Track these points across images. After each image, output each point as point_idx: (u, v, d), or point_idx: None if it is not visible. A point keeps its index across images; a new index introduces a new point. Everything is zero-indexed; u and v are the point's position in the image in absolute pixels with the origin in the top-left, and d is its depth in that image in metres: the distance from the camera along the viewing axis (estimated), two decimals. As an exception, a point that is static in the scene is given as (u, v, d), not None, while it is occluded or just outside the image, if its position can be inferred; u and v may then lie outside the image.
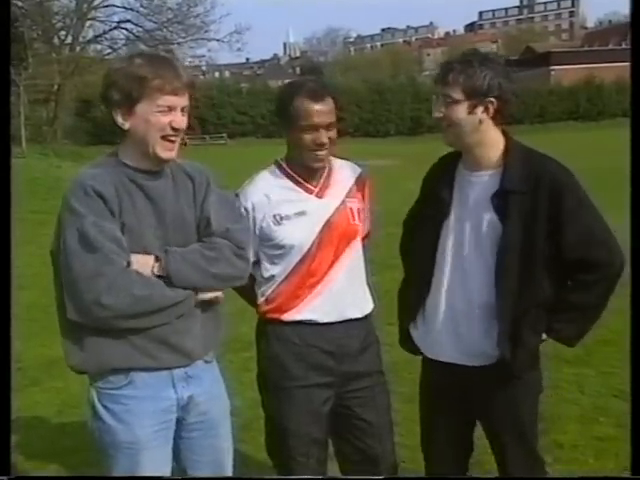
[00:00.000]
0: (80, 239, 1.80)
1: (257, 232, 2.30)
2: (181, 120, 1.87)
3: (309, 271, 2.28)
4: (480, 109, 2.08)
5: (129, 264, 1.83)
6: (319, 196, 2.32)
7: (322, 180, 2.33)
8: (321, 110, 2.22)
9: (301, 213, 2.27)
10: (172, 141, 1.88)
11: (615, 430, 3.52)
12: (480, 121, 2.10)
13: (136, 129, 1.86)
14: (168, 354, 1.93)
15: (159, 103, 1.83)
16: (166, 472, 2.02)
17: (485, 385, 2.22)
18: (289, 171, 2.32)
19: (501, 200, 2.10)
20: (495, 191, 2.12)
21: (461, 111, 2.09)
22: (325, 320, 2.30)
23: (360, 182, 2.42)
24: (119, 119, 1.86)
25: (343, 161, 2.45)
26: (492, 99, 2.07)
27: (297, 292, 2.29)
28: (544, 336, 2.19)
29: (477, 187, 2.17)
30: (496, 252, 2.11)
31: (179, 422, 2.03)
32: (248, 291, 2.34)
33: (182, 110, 1.89)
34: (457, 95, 2.08)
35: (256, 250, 2.31)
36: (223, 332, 2.12)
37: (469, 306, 2.18)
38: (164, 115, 1.85)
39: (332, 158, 2.39)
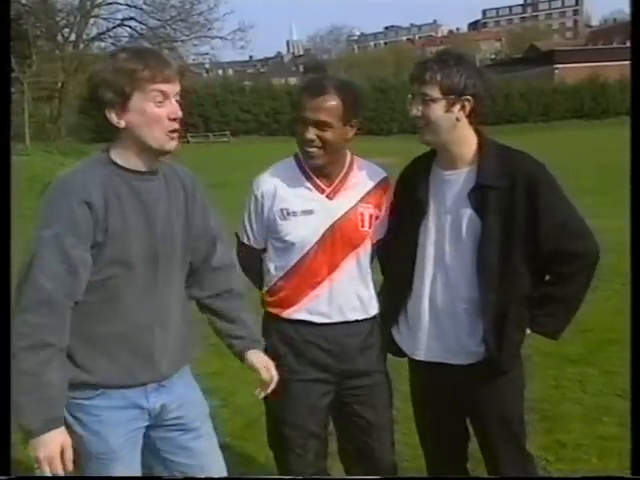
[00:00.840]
0: (36, 247, 1.76)
1: (265, 222, 2.30)
2: (176, 108, 1.84)
3: (310, 271, 2.27)
4: (457, 107, 2.11)
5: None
6: (330, 197, 2.28)
7: (337, 181, 2.30)
8: (313, 106, 2.18)
9: (308, 212, 2.25)
10: (172, 131, 1.85)
11: (618, 429, 3.51)
12: (457, 119, 2.12)
13: (133, 124, 1.81)
14: (145, 370, 1.90)
15: (152, 93, 1.79)
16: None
17: (471, 383, 2.23)
18: (304, 166, 2.30)
19: (478, 196, 2.13)
20: (472, 187, 2.14)
21: (439, 109, 2.10)
22: (323, 321, 2.29)
23: (379, 188, 2.34)
24: (114, 118, 1.81)
25: (366, 163, 2.39)
26: (468, 97, 2.10)
27: (297, 290, 2.29)
28: (528, 331, 2.21)
29: (453, 185, 2.19)
30: (476, 248, 2.13)
31: (154, 426, 1.99)
32: (256, 276, 2.39)
33: (175, 97, 1.85)
34: (435, 93, 2.10)
35: (265, 239, 2.33)
36: (197, 347, 2.12)
37: (452, 304, 2.20)
38: (159, 106, 1.81)
39: (356, 159, 2.36)
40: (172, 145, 1.86)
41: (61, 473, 1.77)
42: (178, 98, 1.86)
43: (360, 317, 2.33)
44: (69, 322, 1.80)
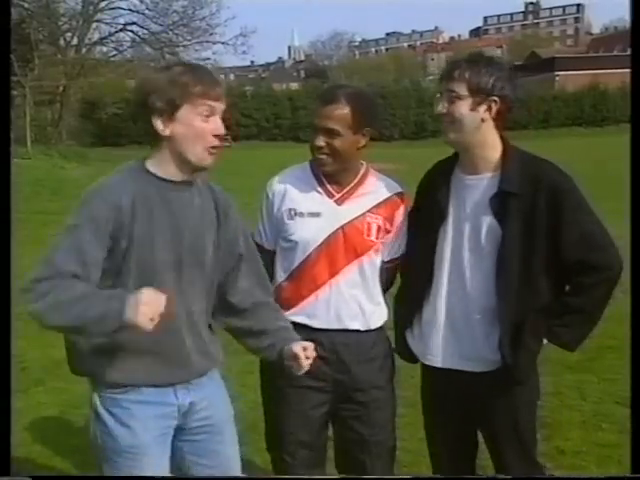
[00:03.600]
0: (59, 238, 1.83)
1: (274, 221, 2.33)
2: (220, 125, 1.90)
3: (311, 274, 2.28)
4: (483, 107, 2.09)
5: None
6: (338, 202, 2.29)
7: (348, 188, 2.31)
8: (323, 114, 2.21)
9: (315, 214, 2.27)
10: (213, 147, 1.90)
11: (617, 437, 3.52)
12: (482, 119, 2.10)
13: (177, 135, 1.87)
14: (172, 372, 1.95)
15: (201, 108, 1.86)
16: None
17: (485, 391, 2.21)
18: (317, 172, 2.32)
19: (500, 202, 2.11)
20: (494, 193, 2.12)
21: (464, 107, 2.09)
22: (320, 326, 2.29)
23: (391, 201, 2.34)
24: (159, 125, 1.86)
25: (382, 176, 2.40)
26: (495, 98, 2.09)
27: (297, 292, 2.30)
28: (545, 341, 2.19)
29: (474, 190, 2.17)
30: (495, 255, 2.11)
31: (181, 428, 2.03)
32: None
33: (220, 115, 1.92)
34: (462, 91, 2.09)
35: (275, 238, 2.35)
36: (223, 352, 2.14)
37: (468, 310, 2.18)
38: (205, 121, 1.87)
39: (372, 171, 2.36)
40: (210, 162, 1.92)
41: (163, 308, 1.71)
42: (221, 116, 1.92)
43: (361, 327, 2.32)
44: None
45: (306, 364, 2.00)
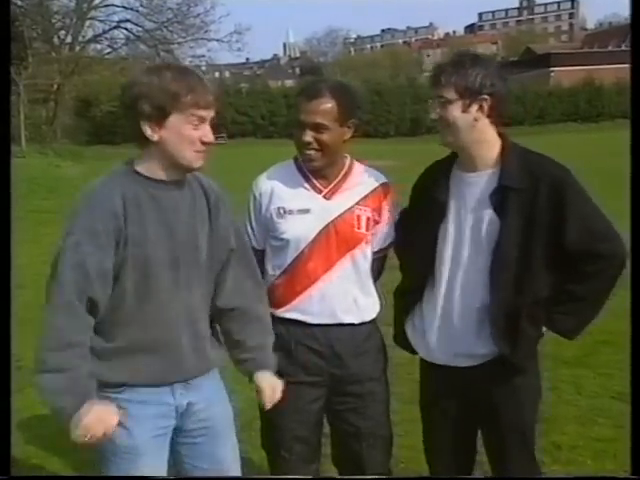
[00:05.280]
0: (60, 253, 1.83)
1: (263, 221, 2.32)
2: (209, 132, 1.91)
3: (304, 270, 2.28)
4: (474, 107, 2.10)
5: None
6: (327, 197, 2.30)
7: (335, 182, 2.31)
8: (309, 109, 2.21)
9: (305, 210, 2.27)
10: (202, 151, 1.91)
11: (613, 431, 3.53)
12: (475, 119, 2.10)
13: (166, 141, 1.87)
14: (172, 371, 1.96)
15: (192, 117, 1.86)
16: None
17: (487, 387, 2.21)
18: (303, 168, 2.31)
19: (500, 198, 2.11)
20: (494, 189, 2.12)
21: (455, 110, 2.10)
22: (314, 322, 2.29)
23: (378, 192, 2.35)
24: (148, 131, 1.86)
25: (367, 168, 2.41)
26: (485, 96, 2.08)
27: (291, 289, 2.30)
28: (544, 329, 2.19)
29: (474, 187, 2.17)
30: (494, 249, 2.12)
31: (179, 429, 2.03)
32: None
33: (210, 122, 1.92)
34: (450, 95, 2.09)
35: (265, 239, 2.34)
36: (223, 352, 2.14)
37: (468, 308, 2.18)
38: (195, 129, 1.87)
39: (357, 163, 2.37)
40: (200, 163, 1.92)
41: (109, 432, 1.81)
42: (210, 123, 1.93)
43: (355, 321, 2.33)
44: (90, 322, 1.86)
45: (268, 404, 2.11)
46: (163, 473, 2.00)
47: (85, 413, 1.77)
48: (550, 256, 2.12)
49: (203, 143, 1.89)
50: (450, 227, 2.20)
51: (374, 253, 2.38)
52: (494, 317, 2.14)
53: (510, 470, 2.26)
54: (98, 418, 1.78)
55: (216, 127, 1.94)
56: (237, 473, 2.12)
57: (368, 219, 2.31)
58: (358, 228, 2.30)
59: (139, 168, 1.92)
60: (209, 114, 1.89)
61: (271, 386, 2.11)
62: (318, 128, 2.20)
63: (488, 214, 2.13)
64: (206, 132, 1.89)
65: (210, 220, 2.02)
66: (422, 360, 2.36)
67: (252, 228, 2.38)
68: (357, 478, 2.40)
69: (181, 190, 1.96)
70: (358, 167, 2.38)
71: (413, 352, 2.37)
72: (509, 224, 2.10)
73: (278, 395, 2.12)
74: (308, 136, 2.21)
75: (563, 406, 3.90)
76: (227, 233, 2.07)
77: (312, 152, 2.23)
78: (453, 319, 2.21)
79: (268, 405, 2.12)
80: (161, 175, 1.92)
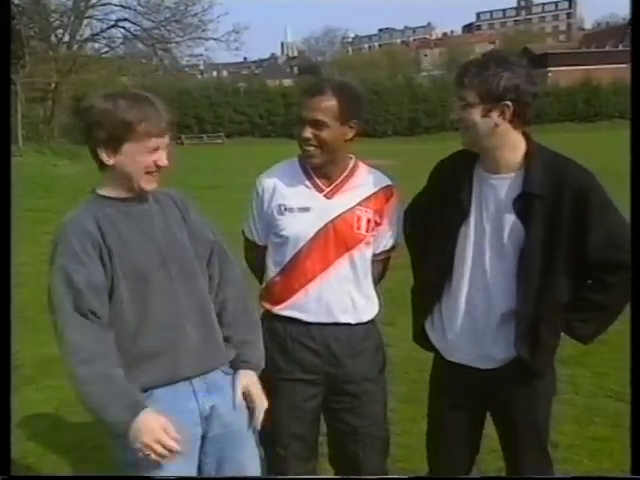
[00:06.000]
0: (50, 284, 1.87)
1: (265, 217, 2.33)
2: (164, 158, 1.94)
3: (302, 268, 2.28)
4: (495, 113, 2.04)
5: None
6: (328, 196, 2.30)
7: (337, 181, 2.31)
8: (310, 105, 2.22)
9: (305, 209, 2.28)
10: (156, 174, 1.95)
11: (610, 430, 3.54)
12: (496, 125, 2.06)
13: (122, 166, 1.91)
14: (187, 365, 1.96)
15: (146, 145, 1.89)
16: None
17: (504, 386, 2.21)
18: (306, 166, 2.32)
19: (523, 204, 2.08)
20: (518, 194, 2.09)
21: (475, 114, 2.06)
22: (310, 320, 2.30)
23: (381, 194, 2.35)
24: (104, 156, 1.90)
25: (371, 170, 2.40)
26: (508, 103, 2.03)
27: (289, 286, 2.30)
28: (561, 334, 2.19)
29: (498, 190, 2.14)
30: (518, 256, 2.10)
31: (203, 437, 2.00)
32: (259, 272, 2.43)
33: (164, 149, 1.95)
34: (471, 98, 2.05)
35: (267, 235, 2.36)
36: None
37: (490, 311, 2.17)
38: (150, 154, 1.91)
39: (361, 164, 2.37)
40: (153, 185, 1.97)
41: (175, 448, 1.80)
42: (167, 148, 1.96)
43: (352, 321, 2.33)
44: (102, 333, 1.87)
45: (254, 404, 2.07)
46: None
47: (141, 430, 1.78)
48: (572, 263, 2.10)
49: (157, 167, 1.93)
50: (471, 228, 2.17)
51: (375, 255, 2.38)
52: (516, 323, 2.13)
53: (524, 467, 2.27)
54: (155, 439, 1.78)
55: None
56: (257, 474, 2.11)
57: (369, 220, 2.31)
58: (357, 229, 2.30)
59: (102, 192, 1.97)
60: (163, 142, 1.93)
61: (248, 388, 2.07)
62: (318, 125, 2.21)
63: (511, 219, 2.11)
64: (160, 156, 1.93)
65: (185, 220, 2.05)
66: (437, 357, 2.35)
67: (255, 224, 2.39)
68: (355, 478, 2.40)
69: (148, 202, 2.00)
70: (362, 168, 2.38)
71: (431, 350, 2.36)
72: (533, 231, 2.07)
73: (258, 401, 2.08)
74: (308, 132, 2.23)
75: (560, 405, 3.87)
76: (204, 228, 2.11)
77: (311, 148, 2.24)
78: (475, 321, 2.20)
79: (254, 406, 2.07)
80: (124, 194, 1.96)
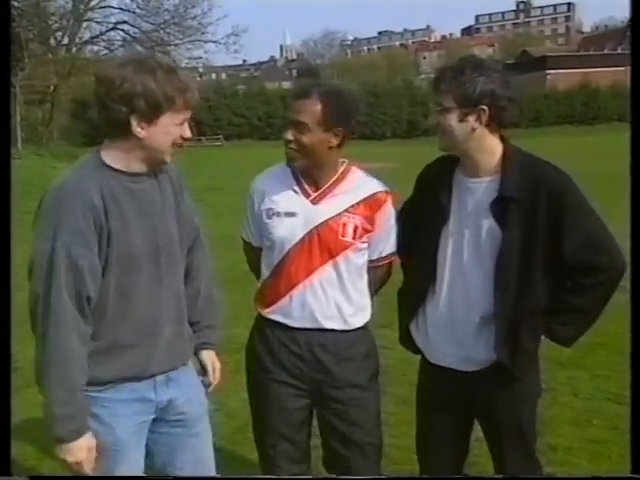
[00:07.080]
0: (47, 258, 1.79)
1: (257, 220, 2.34)
2: (188, 130, 1.96)
3: (288, 273, 2.27)
4: (472, 117, 2.07)
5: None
6: (314, 202, 2.27)
7: (325, 187, 2.29)
8: (294, 107, 2.22)
9: (291, 214, 2.26)
10: (179, 147, 1.96)
11: (608, 433, 3.54)
12: (472, 129, 2.08)
13: (153, 137, 1.87)
14: (156, 362, 1.98)
15: (180, 117, 1.90)
16: (139, 470, 2.04)
17: (485, 389, 2.22)
18: (295, 170, 2.30)
19: (500, 207, 2.10)
20: (494, 198, 2.11)
21: (452, 119, 2.08)
22: (294, 325, 2.29)
23: (372, 201, 2.29)
24: (135, 126, 1.84)
25: (364, 175, 2.36)
26: (484, 107, 2.06)
27: (276, 290, 2.30)
28: (541, 337, 2.20)
29: (476, 193, 2.17)
30: (495, 259, 2.12)
31: (158, 420, 2.06)
32: (257, 273, 2.44)
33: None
34: (448, 103, 2.07)
35: (260, 236, 2.36)
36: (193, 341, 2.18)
37: (469, 313, 2.19)
38: (179, 127, 1.91)
39: (354, 170, 2.33)
40: (170, 159, 1.98)
41: (89, 473, 1.90)
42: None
43: (337, 327, 2.30)
44: (89, 328, 1.87)
45: (213, 381, 2.23)
46: (140, 465, 2.04)
47: (79, 449, 1.87)
48: (550, 266, 2.11)
49: (183, 139, 1.94)
50: (451, 231, 2.20)
51: (372, 262, 2.35)
52: (496, 326, 2.15)
53: (507, 467, 2.28)
54: (89, 458, 1.89)
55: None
56: (211, 462, 2.18)
57: (356, 227, 2.27)
58: (343, 235, 2.26)
59: (109, 161, 1.89)
60: (189, 114, 1.95)
61: (213, 364, 2.21)
62: (299, 127, 2.19)
63: (488, 223, 2.13)
64: (186, 130, 1.94)
65: (177, 202, 2.05)
66: (422, 360, 2.37)
67: (250, 226, 2.40)
68: (354, 478, 2.40)
69: (151, 182, 1.98)
70: (354, 173, 2.33)
71: (417, 352, 2.37)
72: (510, 234, 2.09)
73: (218, 375, 2.22)
74: (289, 134, 2.21)
75: (558, 408, 3.90)
76: (191, 212, 2.13)
77: (291, 150, 2.23)
78: (455, 323, 2.21)
79: (214, 382, 2.22)
80: (136, 168, 1.92)
